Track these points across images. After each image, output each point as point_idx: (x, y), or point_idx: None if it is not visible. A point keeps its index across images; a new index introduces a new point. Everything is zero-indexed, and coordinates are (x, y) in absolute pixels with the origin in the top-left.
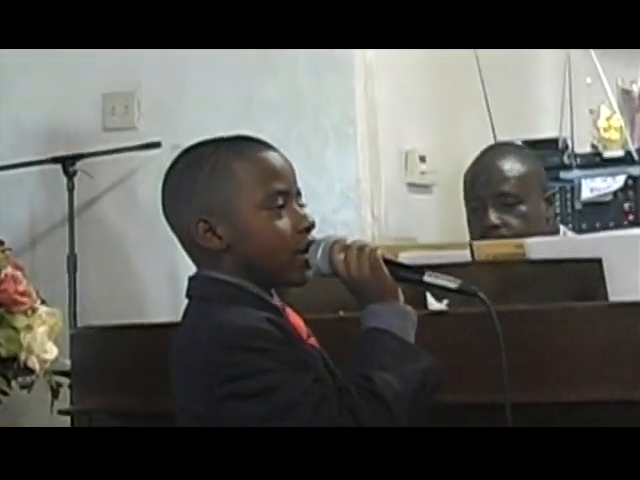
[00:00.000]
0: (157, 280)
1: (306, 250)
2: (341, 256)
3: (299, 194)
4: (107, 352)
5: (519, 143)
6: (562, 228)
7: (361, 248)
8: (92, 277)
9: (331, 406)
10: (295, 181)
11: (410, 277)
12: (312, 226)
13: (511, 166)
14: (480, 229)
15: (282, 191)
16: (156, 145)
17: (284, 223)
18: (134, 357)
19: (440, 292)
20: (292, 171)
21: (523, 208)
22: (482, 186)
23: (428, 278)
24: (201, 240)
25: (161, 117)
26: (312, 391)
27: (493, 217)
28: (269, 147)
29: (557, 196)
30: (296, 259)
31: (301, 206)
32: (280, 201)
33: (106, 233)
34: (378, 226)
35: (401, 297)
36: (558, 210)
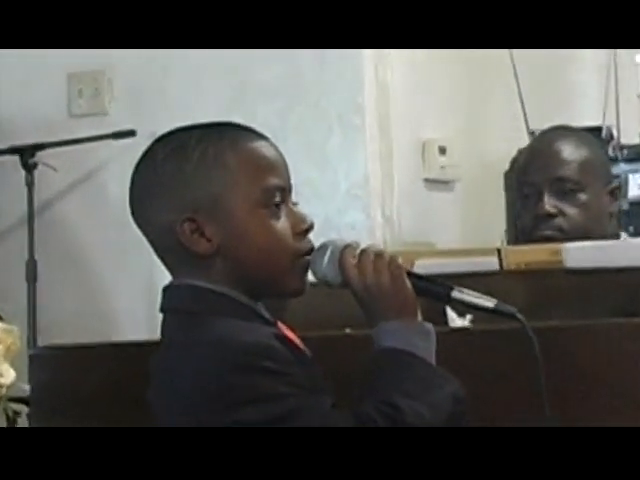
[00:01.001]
0: (131, 291)
1: (308, 254)
2: (354, 263)
3: (291, 191)
4: (72, 376)
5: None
6: (622, 235)
7: (379, 255)
8: (55, 288)
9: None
10: (289, 176)
11: (436, 292)
12: (312, 227)
13: (572, 150)
14: (531, 220)
15: (279, 187)
16: (130, 134)
17: (282, 223)
18: (104, 381)
19: (465, 308)
20: (286, 164)
21: (583, 197)
22: (537, 170)
23: (458, 294)
24: (187, 242)
25: (137, 101)
26: (332, 418)
27: (549, 204)
28: (259, 136)
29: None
30: (296, 265)
31: (294, 205)
32: (277, 198)
33: (71, 236)
34: (390, 229)
35: (419, 314)
36: None
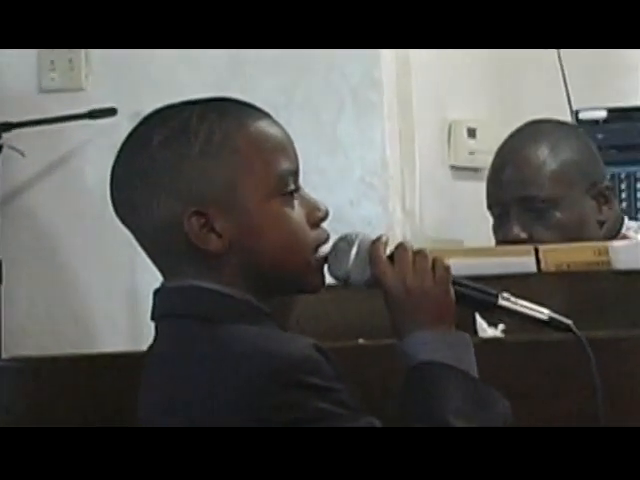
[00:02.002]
0: (110, 293)
1: (321, 244)
2: (386, 259)
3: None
4: (42, 391)
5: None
6: (633, 224)
7: (421, 253)
8: (22, 290)
9: None
10: (298, 158)
11: (481, 299)
12: (327, 215)
13: (542, 158)
14: (502, 244)
15: (292, 171)
16: (110, 112)
17: (298, 213)
18: (80, 398)
19: (495, 315)
20: (294, 145)
21: (557, 214)
22: (502, 188)
23: (505, 302)
24: (196, 239)
25: (117, 75)
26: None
27: (517, 228)
28: (263, 113)
29: (622, 185)
30: (315, 259)
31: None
32: (291, 184)
33: (42, 230)
34: (411, 224)
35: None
36: None
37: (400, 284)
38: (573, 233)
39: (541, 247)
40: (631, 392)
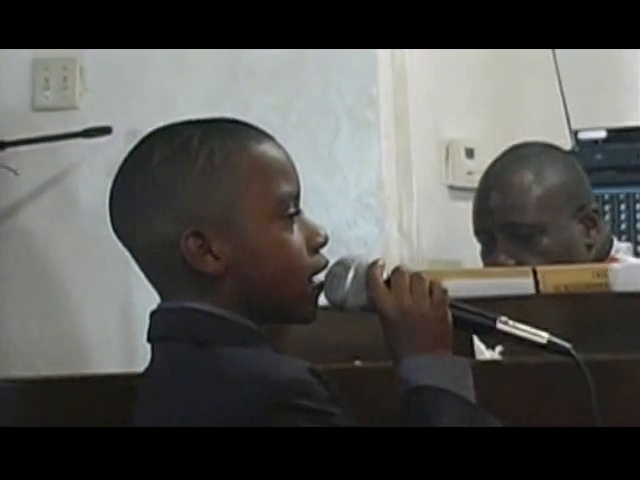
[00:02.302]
0: (104, 313)
1: (319, 270)
2: (383, 284)
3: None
4: (34, 414)
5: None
6: (622, 246)
7: (418, 276)
8: (15, 309)
9: None
10: (299, 182)
11: (479, 322)
12: (327, 241)
13: (526, 184)
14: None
15: (293, 195)
16: (105, 131)
17: (296, 237)
18: (72, 420)
19: (492, 337)
20: (295, 168)
21: (545, 240)
22: (487, 215)
23: (503, 326)
24: (192, 260)
25: (111, 94)
26: None
27: (504, 255)
28: (265, 135)
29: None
30: (311, 287)
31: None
32: (292, 208)
33: (34, 250)
34: (408, 245)
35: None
36: None
37: (397, 308)
38: (561, 258)
39: (539, 268)
40: (628, 415)
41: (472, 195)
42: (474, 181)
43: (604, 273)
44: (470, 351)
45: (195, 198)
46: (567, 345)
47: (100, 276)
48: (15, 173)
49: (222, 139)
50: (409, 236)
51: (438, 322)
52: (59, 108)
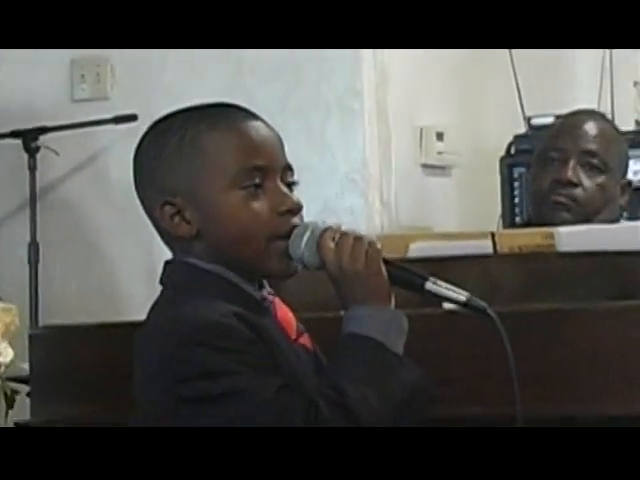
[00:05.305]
0: (132, 273)
1: (287, 235)
2: (332, 244)
3: (288, 171)
4: (72, 355)
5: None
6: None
7: (358, 238)
8: (57, 269)
9: (293, 419)
10: (281, 156)
11: (410, 281)
12: (297, 208)
13: (606, 134)
14: (550, 183)
15: (260, 167)
16: (132, 118)
17: (261, 204)
18: (104, 361)
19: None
20: (277, 144)
21: (603, 178)
22: (571, 138)
23: (431, 286)
24: (167, 225)
25: (137, 86)
26: (275, 400)
27: (571, 172)
28: (250, 115)
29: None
30: (273, 246)
31: (290, 185)
32: (257, 179)
33: (73, 219)
34: (388, 214)
35: (392, 301)
36: None
37: (337, 266)
38: (605, 199)
39: (497, 232)
40: (569, 359)
41: (442, 172)
42: (444, 160)
43: (551, 236)
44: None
45: (168, 173)
46: (484, 304)
47: (128, 241)
48: (56, 153)
49: (196, 122)
50: (388, 206)
51: (370, 277)
52: (93, 99)
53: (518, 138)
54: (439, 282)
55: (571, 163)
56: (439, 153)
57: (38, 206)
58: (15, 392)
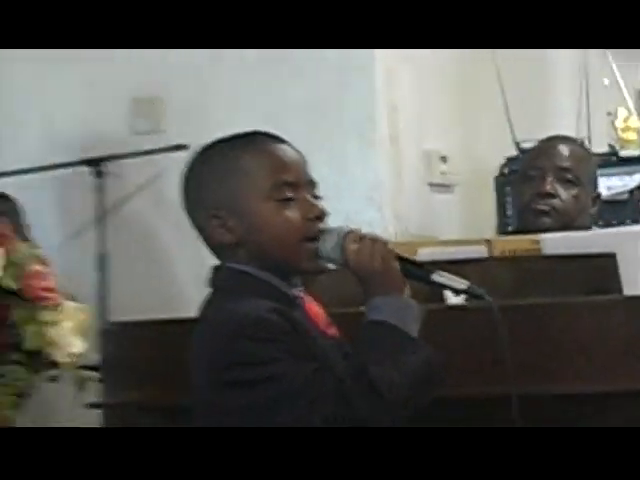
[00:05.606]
0: (185, 277)
1: (315, 238)
2: (354, 246)
3: (312, 185)
4: (136, 346)
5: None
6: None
7: (375, 240)
8: (125, 278)
9: (328, 397)
10: (305, 172)
11: (419, 274)
12: (322, 215)
13: (577, 153)
14: (531, 195)
15: (290, 182)
16: (183, 147)
17: (292, 213)
18: (162, 351)
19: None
20: (302, 163)
21: (576, 190)
22: (547, 157)
23: (437, 277)
24: (214, 235)
25: (188, 120)
26: (312, 381)
27: (549, 185)
28: (279, 140)
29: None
30: (305, 247)
31: (315, 197)
32: (288, 192)
33: (136, 232)
34: (400, 225)
35: (407, 291)
36: None
37: (358, 264)
38: (578, 209)
39: (492, 239)
40: (554, 344)
41: (446, 190)
42: (447, 179)
43: (537, 242)
44: (440, 297)
45: (213, 191)
46: (481, 291)
47: (182, 250)
48: (120, 177)
49: (235, 147)
50: (400, 219)
51: (387, 273)
52: (150, 131)
53: (510, 160)
54: (443, 273)
55: (549, 178)
56: (443, 173)
57: (107, 222)
58: (85, 378)
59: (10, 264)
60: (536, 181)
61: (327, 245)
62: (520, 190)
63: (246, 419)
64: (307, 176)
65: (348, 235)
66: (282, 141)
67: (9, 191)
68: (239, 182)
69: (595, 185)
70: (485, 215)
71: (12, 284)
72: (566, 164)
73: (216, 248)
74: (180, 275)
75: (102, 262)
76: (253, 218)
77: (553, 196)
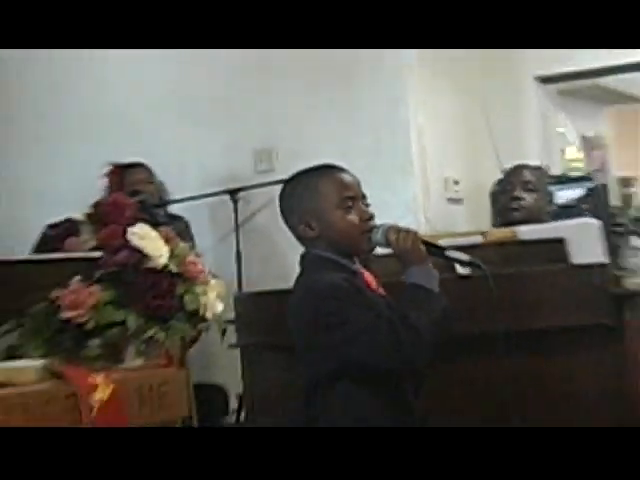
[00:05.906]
0: (291, 263)
1: (369, 231)
2: (394, 235)
3: (364, 197)
4: (259, 308)
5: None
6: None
7: (407, 231)
8: (252, 265)
9: (388, 335)
10: (359, 189)
11: (437, 252)
12: (371, 217)
13: (533, 172)
14: (506, 201)
15: (350, 196)
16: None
17: (353, 216)
18: (276, 309)
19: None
20: (357, 183)
21: (536, 196)
22: (515, 176)
23: (449, 253)
24: (302, 232)
25: (294, 161)
26: (376, 325)
27: (518, 192)
28: (341, 169)
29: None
30: (362, 238)
31: (366, 205)
32: (349, 203)
33: (260, 237)
34: (429, 226)
35: (430, 264)
36: None
37: (397, 247)
38: (540, 208)
39: (487, 231)
40: (529, 295)
41: (457, 202)
42: (459, 195)
43: (514, 232)
44: (452, 269)
45: (301, 204)
46: (479, 262)
47: (291, 245)
48: (248, 202)
49: (313, 175)
50: (429, 222)
51: (415, 250)
52: (267, 171)
53: (499, 182)
54: (452, 251)
55: (517, 188)
56: (456, 191)
57: (240, 231)
58: (225, 329)
59: (174, 256)
60: (509, 191)
61: (377, 235)
62: (500, 197)
63: (337, 350)
64: (361, 191)
65: (389, 229)
66: (343, 170)
67: (179, 212)
68: (318, 197)
69: (549, 194)
70: (483, 218)
71: (176, 269)
72: (528, 178)
73: (303, 240)
74: (289, 263)
75: (238, 257)
76: (328, 220)
77: (520, 199)
